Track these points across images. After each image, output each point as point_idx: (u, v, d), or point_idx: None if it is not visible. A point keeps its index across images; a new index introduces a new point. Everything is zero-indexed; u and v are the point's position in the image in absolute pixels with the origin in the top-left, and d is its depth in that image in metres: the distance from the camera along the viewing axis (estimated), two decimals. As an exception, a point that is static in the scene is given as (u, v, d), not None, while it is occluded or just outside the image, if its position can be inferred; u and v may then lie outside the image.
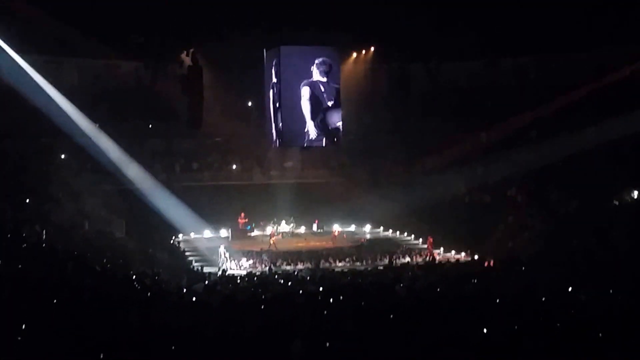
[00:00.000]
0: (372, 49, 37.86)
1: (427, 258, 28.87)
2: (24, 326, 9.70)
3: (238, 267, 27.56)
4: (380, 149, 39.58)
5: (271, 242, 31.57)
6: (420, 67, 38.48)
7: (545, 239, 27.37)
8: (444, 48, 34.53)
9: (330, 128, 31.93)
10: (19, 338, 9.42)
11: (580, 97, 32.21)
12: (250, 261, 28.34)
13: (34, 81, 30.76)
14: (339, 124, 32.00)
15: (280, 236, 33.69)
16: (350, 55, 37.98)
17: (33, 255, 18.80)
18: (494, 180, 34.53)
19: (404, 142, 38.62)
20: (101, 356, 8.92)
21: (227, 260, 28.00)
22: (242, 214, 34.91)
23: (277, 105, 32.16)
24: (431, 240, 30.47)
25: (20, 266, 16.19)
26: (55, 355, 8.81)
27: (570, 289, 14.21)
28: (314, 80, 31.64)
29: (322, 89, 31.87)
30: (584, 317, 11.23)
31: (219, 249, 28.60)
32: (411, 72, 38.42)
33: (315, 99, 31.74)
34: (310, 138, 31.87)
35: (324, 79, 31.76)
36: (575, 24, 30.10)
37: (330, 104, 31.84)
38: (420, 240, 32.94)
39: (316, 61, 31.69)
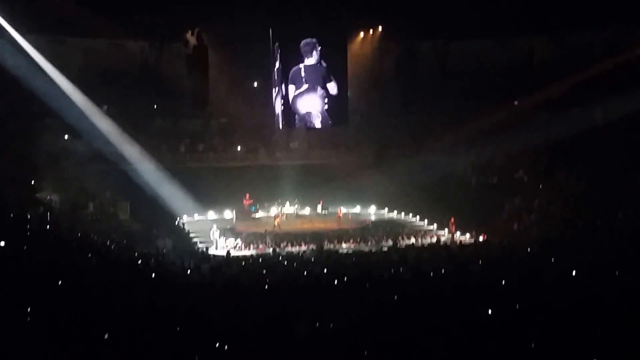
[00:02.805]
0: (380, 28, 37.53)
1: (451, 238, 28.79)
2: (29, 309, 9.68)
3: (227, 246, 27.52)
4: (386, 130, 39.39)
5: (275, 223, 31.53)
6: (428, 46, 38.15)
7: (552, 220, 27.25)
8: (453, 27, 34.20)
9: (301, 113, 32.13)
10: (27, 319, 9.40)
11: (589, 76, 31.88)
12: (239, 241, 28.28)
13: (37, 61, 30.62)
14: (312, 109, 31.97)
15: (284, 217, 33.64)
16: (358, 34, 37.67)
17: (37, 236, 18.81)
18: (501, 161, 34.37)
19: (410, 123, 38.43)
20: (105, 336, 8.89)
21: (217, 239, 28.04)
22: (247, 195, 34.88)
23: (280, 86, 32.11)
24: (453, 220, 30.12)
25: (24, 247, 16.18)
26: (60, 335, 8.78)
27: (576, 270, 14.11)
28: (300, 65, 31.70)
29: (303, 74, 31.88)
30: (590, 299, 11.14)
31: (211, 229, 28.69)
32: (419, 51, 38.11)
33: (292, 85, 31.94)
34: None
35: (313, 62, 31.70)
36: (585, 3, 29.75)
37: (304, 87, 31.87)
38: (426, 221, 32.88)
39: (302, 42, 31.66)
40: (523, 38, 36.52)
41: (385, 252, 23.91)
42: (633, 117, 28.12)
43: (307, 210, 36.10)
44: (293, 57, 31.80)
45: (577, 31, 34.11)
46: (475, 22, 33.10)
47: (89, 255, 17.37)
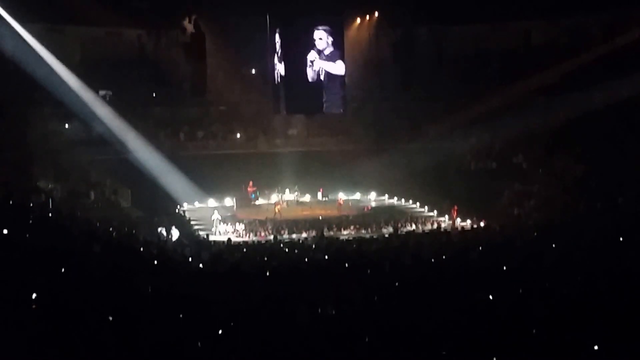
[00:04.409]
0: (377, 14, 37.37)
1: (452, 224, 28.81)
2: (34, 295, 9.73)
3: (228, 232, 27.63)
4: (385, 115, 39.34)
5: (276, 210, 31.59)
6: (425, 31, 38.02)
7: (552, 205, 27.29)
8: (450, 12, 34.07)
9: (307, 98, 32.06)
10: (31, 306, 9.45)
11: (587, 60, 31.82)
12: (241, 227, 28.38)
13: (35, 50, 30.53)
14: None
15: (285, 205, 33.68)
16: (355, 20, 37.53)
17: (40, 224, 18.84)
18: (500, 147, 34.35)
19: (409, 108, 38.35)
20: (110, 318, 8.96)
21: (218, 225, 28.16)
22: (251, 183, 34.89)
23: (281, 72, 31.98)
24: (456, 208, 30.14)
25: (27, 235, 16.22)
26: (65, 321, 8.84)
27: (576, 254, 14.16)
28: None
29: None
30: (591, 283, 11.19)
31: (212, 215, 28.97)
32: (416, 37, 37.99)
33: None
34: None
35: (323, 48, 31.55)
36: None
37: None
38: (426, 208, 32.92)
39: (319, 29, 31.45)
40: (520, 22, 36.40)
41: (385, 238, 23.98)
42: (632, 100, 28.10)
43: (307, 197, 36.13)
44: (292, 42, 31.66)
45: (575, 14, 34.01)
46: (472, 6, 32.98)
47: (91, 242, 17.40)
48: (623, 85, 28.62)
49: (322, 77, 31.62)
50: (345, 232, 27.84)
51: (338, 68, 31.64)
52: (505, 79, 35.06)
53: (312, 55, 31.33)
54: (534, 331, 8.70)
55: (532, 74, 34.02)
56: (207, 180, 34.11)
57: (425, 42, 38.25)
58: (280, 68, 32.73)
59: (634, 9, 31.35)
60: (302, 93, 31.75)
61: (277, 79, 32.74)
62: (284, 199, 34.64)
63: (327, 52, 31.43)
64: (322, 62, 31.47)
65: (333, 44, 31.35)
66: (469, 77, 36.39)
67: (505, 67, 36.05)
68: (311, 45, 31.27)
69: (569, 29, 35.74)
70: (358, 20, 37.76)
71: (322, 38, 31.06)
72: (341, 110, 33.08)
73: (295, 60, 31.37)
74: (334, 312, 9.86)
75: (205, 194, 34.45)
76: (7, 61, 28.20)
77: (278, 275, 13.80)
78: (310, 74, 31.42)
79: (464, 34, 37.85)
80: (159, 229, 25.05)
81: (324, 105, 31.90)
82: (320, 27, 31.08)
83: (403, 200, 35.36)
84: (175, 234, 25.29)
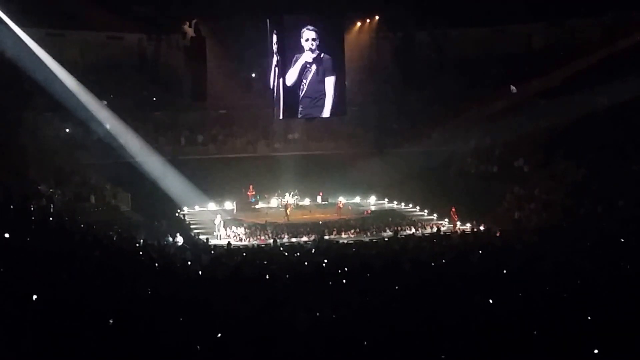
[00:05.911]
0: (377, 17, 37.39)
1: (452, 228, 28.72)
2: (34, 297, 9.73)
3: (230, 236, 27.68)
4: (385, 119, 39.33)
5: (287, 212, 31.70)
6: (425, 35, 38.04)
7: (552, 208, 27.27)
8: (450, 15, 34.09)
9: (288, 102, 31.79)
10: (32, 309, 9.46)
11: (588, 63, 31.80)
12: (242, 230, 28.40)
13: (36, 54, 30.57)
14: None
15: (289, 209, 33.65)
16: (355, 24, 37.54)
17: (41, 228, 18.84)
18: (500, 150, 34.33)
19: (409, 112, 38.36)
20: (110, 322, 8.96)
21: (220, 228, 28.31)
22: (251, 187, 34.88)
23: (279, 76, 31.90)
24: (454, 210, 30.09)
25: (28, 239, 16.22)
26: (65, 324, 8.84)
27: (577, 258, 14.14)
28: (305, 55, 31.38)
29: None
30: (591, 287, 11.18)
31: (215, 219, 29.06)
32: (416, 40, 38.00)
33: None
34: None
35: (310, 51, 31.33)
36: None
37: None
38: (426, 211, 32.90)
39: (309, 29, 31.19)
40: (521, 25, 36.41)
41: (385, 242, 23.96)
42: (632, 103, 28.09)
43: (306, 201, 36.12)
44: (291, 46, 31.59)
45: (576, 17, 34.04)
46: (472, 10, 33.00)
47: (92, 246, 17.40)
48: (624, 88, 28.61)
49: (305, 80, 31.26)
50: (344, 236, 27.83)
51: (329, 70, 31.44)
52: (506, 82, 35.05)
53: (303, 56, 31.07)
54: (534, 335, 8.69)
55: (532, 78, 34.03)
56: (208, 184, 34.17)
57: (425, 46, 38.26)
58: (276, 72, 32.67)
59: (634, 12, 31.37)
60: (285, 97, 31.61)
61: (272, 83, 32.67)
62: (284, 203, 34.62)
63: (317, 52, 31.21)
64: (313, 64, 31.19)
65: (319, 45, 31.07)
66: (470, 81, 36.37)
67: (506, 70, 36.05)
68: (299, 46, 31.03)
69: (569, 32, 35.74)
70: (358, 23, 37.77)
71: (310, 38, 30.86)
72: (321, 115, 32.66)
73: (284, 63, 31.19)
74: (333, 316, 9.85)
75: (206, 198, 34.46)
76: (7, 65, 28.21)
77: (277, 279, 13.78)
78: (292, 76, 31.11)
79: (465, 38, 37.86)
80: (167, 237, 25.06)
81: (300, 109, 31.61)
82: (310, 28, 30.88)
83: (403, 204, 35.33)
84: (179, 239, 25.32)
